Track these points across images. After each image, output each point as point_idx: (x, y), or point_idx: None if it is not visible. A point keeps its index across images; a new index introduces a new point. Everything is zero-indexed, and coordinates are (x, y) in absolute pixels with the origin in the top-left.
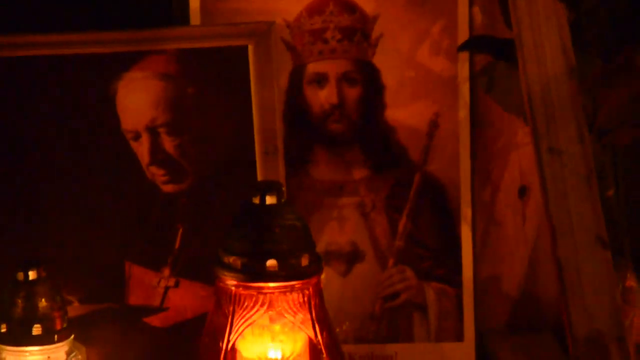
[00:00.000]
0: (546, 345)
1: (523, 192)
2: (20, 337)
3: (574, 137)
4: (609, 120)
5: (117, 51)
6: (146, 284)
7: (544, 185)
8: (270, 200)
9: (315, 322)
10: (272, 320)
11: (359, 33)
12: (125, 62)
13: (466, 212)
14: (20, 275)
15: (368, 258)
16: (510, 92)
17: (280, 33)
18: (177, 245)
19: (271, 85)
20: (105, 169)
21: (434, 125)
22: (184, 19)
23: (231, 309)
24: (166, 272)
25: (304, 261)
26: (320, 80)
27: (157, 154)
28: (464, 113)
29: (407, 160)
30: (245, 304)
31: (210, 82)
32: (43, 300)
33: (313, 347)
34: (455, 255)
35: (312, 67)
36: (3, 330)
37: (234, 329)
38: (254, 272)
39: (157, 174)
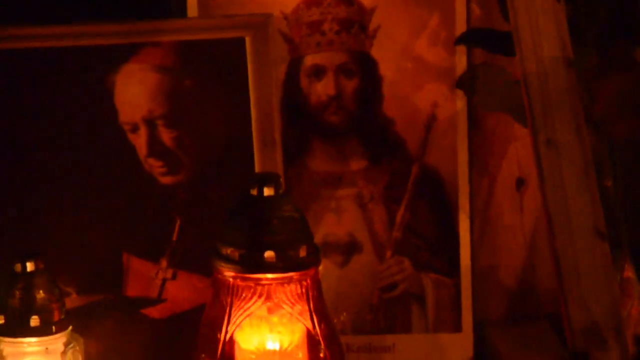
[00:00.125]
0: (544, 335)
1: (520, 183)
2: (18, 329)
3: (572, 129)
4: (606, 111)
5: (115, 43)
6: (144, 276)
7: (542, 177)
8: (268, 191)
9: (313, 313)
10: (270, 311)
11: (357, 25)
12: (123, 54)
13: (464, 203)
14: (18, 267)
15: (366, 249)
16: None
17: (277, 25)
18: (174, 236)
19: (269, 77)
20: (103, 161)
21: (431, 116)
22: (182, 11)
23: (229, 300)
24: (164, 263)
25: (302, 252)
26: (318, 72)
27: (155, 146)
28: (461, 104)
29: (405, 152)
30: (243, 295)
31: (208, 74)
32: (41, 291)
33: (311, 338)
34: (453, 246)
35: (310, 59)
36: (1, 321)
37: (232, 320)
38: (252, 264)
39: (154, 165)
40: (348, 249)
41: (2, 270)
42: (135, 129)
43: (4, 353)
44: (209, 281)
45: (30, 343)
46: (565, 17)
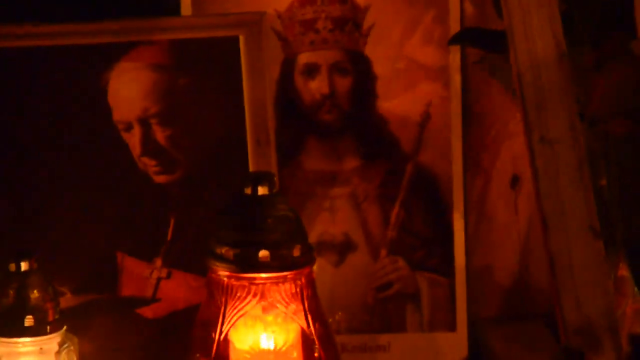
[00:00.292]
0: (538, 334)
1: (515, 181)
2: (12, 329)
3: (566, 127)
4: (601, 108)
5: (108, 42)
6: (138, 275)
7: (536, 175)
8: (262, 190)
9: (307, 312)
10: (264, 310)
11: (351, 23)
12: (117, 52)
13: (458, 202)
14: (12, 267)
15: (360, 248)
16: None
17: (271, 23)
18: (169, 236)
19: (262, 76)
20: (97, 160)
21: (425, 115)
22: (175, 10)
23: (223, 299)
24: (158, 263)
25: (296, 252)
26: (312, 70)
27: (149, 145)
28: (455, 103)
29: (399, 151)
30: (238, 294)
31: (202, 72)
32: (35, 291)
33: (306, 338)
34: (447, 245)
35: (304, 58)
36: None
37: (227, 320)
38: (246, 263)
39: (149, 164)
40: (342, 248)
41: None
42: (129, 127)
43: None
44: (203, 280)
45: (25, 343)
46: (558, 14)
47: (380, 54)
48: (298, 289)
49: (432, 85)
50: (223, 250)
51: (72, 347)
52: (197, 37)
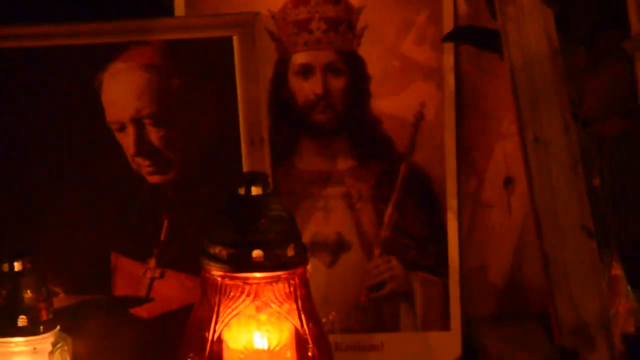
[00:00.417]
0: (532, 333)
1: (508, 182)
2: (5, 329)
3: (560, 127)
4: (595, 108)
5: (102, 42)
6: (132, 275)
7: (530, 175)
8: (255, 191)
9: (301, 312)
10: (258, 310)
11: (344, 24)
12: (110, 53)
13: (452, 202)
14: (6, 267)
15: (354, 248)
16: None
17: (265, 24)
18: (162, 236)
19: (256, 76)
20: (91, 160)
21: (419, 115)
22: (169, 10)
23: (217, 299)
24: (152, 263)
25: (290, 251)
26: (306, 70)
27: (143, 145)
28: (449, 103)
29: (393, 151)
30: (231, 294)
31: (195, 73)
32: (28, 291)
33: (299, 337)
34: (441, 245)
35: (297, 58)
36: None
37: (220, 319)
38: (240, 263)
39: (142, 165)
40: (336, 248)
41: None
42: (122, 128)
43: None
44: (197, 280)
45: (18, 343)
46: (552, 13)
47: (373, 55)
48: (292, 289)
49: (425, 85)
50: (217, 250)
51: (65, 347)
52: (191, 38)
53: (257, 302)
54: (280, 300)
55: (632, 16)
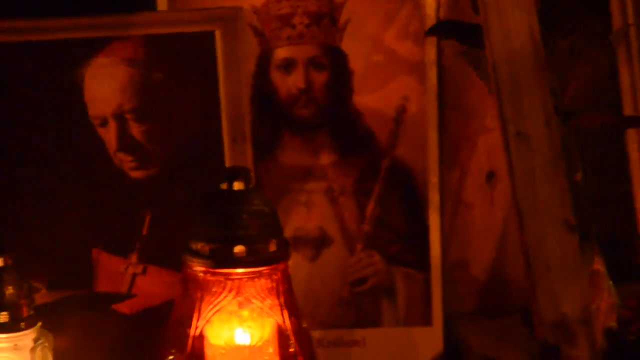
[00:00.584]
0: (514, 328)
1: (491, 176)
2: None
3: (542, 121)
4: (576, 98)
5: (84, 37)
6: (114, 271)
7: (512, 169)
8: (237, 186)
9: (283, 307)
10: (240, 306)
11: (327, 18)
12: (92, 48)
13: (434, 196)
14: None
15: (336, 243)
16: None
17: (247, 18)
18: (144, 231)
19: (238, 71)
20: (73, 155)
21: (401, 109)
22: (151, 5)
23: (199, 295)
24: (134, 258)
25: (272, 247)
26: (288, 65)
27: (125, 140)
28: (431, 97)
29: (375, 145)
30: (213, 290)
31: (178, 67)
32: (9, 287)
33: (281, 333)
34: (423, 240)
35: (280, 52)
36: None
37: (202, 315)
38: (222, 258)
39: (124, 160)
40: (318, 243)
41: None
42: (104, 123)
43: None
44: (179, 276)
45: None
46: (534, 6)
47: (356, 49)
48: (274, 284)
49: (408, 79)
50: (199, 245)
51: (46, 344)
52: (173, 32)
53: (239, 298)
54: (262, 295)
55: (614, 8)
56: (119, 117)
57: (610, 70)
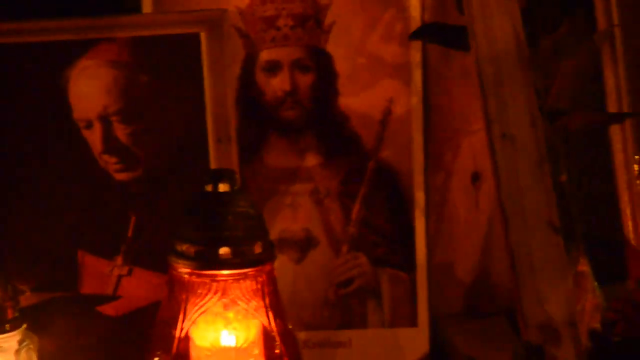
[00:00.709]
0: (500, 329)
1: (476, 177)
2: None
3: (527, 123)
4: (560, 98)
5: (69, 39)
6: (99, 273)
7: (497, 171)
8: (223, 187)
9: (268, 309)
10: (225, 307)
11: (312, 20)
12: (77, 50)
13: (419, 198)
14: None
15: (322, 245)
16: None
17: (232, 20)
18: (130, 233)
19: (223, 73)
20: (58, 157)
21: (387, 111)
22: (136, 7)
23: (184, 296)
24: (119, 260)
25: (257, 248)
26: (273, 67)
27: (110, 143)
28: (416, 99)
29: (361, 147)
30: (199, 291)
31: (163, 70)
32: None
33: (267, 334)
34: (408, 241)
35: (265, 55)
36: None
37: (188, 317)
38: (207, 260)
39: (109, 162)
40: (304, 245)
41: None
42: (89, 125)
43: None
44: (164, 278)
45: None
46: (519, 10)
47: (341, 51)
48: (259, 286)
49: (393, 81)
50: (184, 247)
51: (31, 346)
52: (158, 35)
53: (224, 300)
54: (248, 297)
55: (598, 8)
56: (104, 119)
57: (595, 70)
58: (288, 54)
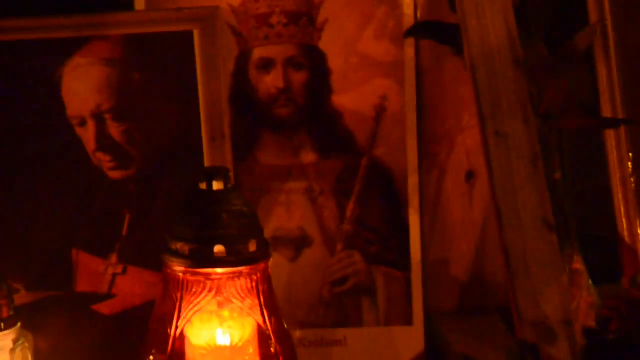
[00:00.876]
0: (495, 327)
1: (470, 175)
2: None
3: (520, 120)
4: (553, 105)
5: (61, 37)
6: (93, 271)
7: (490, 169)
8: (217, 185)
9: (263, 307)
10: (220, 306)
11: (305, 17)
12: (70, 47)
13: (413, 196)
14: None
15: (316, 243)
16: None
17: (225, 18)
18: (124, 231)
19: (217, 71)
20: (51, 155)
21: (380, 109)
22: (129, 4)
23: (179, 295)
24: (113, 258)
25: (252, 247)
26: (267, 65)
27: (103, 140)
28: (410, 97)
29: (355, 145)
30: (193, 290)
31: (156, 67)
32: None
33: (262, 333)
34: (403, 239)
35: (259, 52)
36: None
37: (182, 315)
38: (202, 258)
39: (103, 160)
40: (298, 243)
41: None
42: (83, 123)
43: None
44: (159, 276)
45: None
46: (512, 8)
47: (334, 49)
48: (254, 284)
49: (386, 79)
50: (178, 245)
51: (26, 344)
52: (151, 32)
53: (219, 298)
54: (243, 295)
55: (591, 13)
56: (98, 116)
57: (589, 78)
58: (281, 52)
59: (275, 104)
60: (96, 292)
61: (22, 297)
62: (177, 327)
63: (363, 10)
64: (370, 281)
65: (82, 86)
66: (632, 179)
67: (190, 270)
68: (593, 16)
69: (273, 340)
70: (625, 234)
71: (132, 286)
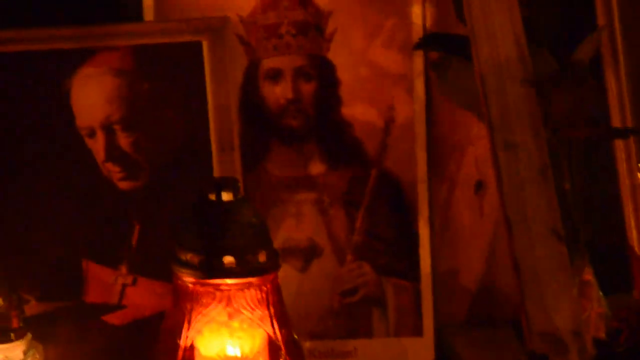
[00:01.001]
0: (505, 339)
1: (479, 186)
2: None
3: (529, 131)
4: (562, 116)
5: (71, 47)
6: (103, 282)
7: (500, 179)
8: (226, 196)
9: (273, 318)
10: (230, 316)
11: (314, 28)
12: (79, 58)
13: (423, 207)
14: None
15: (326, 254)
16: (465, 89)
17: (234, 28)
18: (134, 242)
19: (226, 81)
20: (61, 166)
21: (389, 120)
22: (138, 15)
23: (189, 306)
24: (123, 269)
25: (262, 257)
26: (276, 75)
27: (113, 151)
28: (419, 108)
29: (364, 156)
30: (203, 301)
31: (165, 78)
32: None
33: (272, 344)
34: (413, 250)
35: (267, 63)
36: None
37: (192, 326)
38: (212, 269)
39: (113, 170)
40: (308, 254)
41: None
42: (92, 133)
43: None
44: (169, 287)
45: None
46: (520, 19)
47: (343, 59)
48: (264, 295)
49: (395, 90)
50: (188, 256)
51: (37, 355)
52: (160, 43)
53: (229, 309)
54: (252, 306)
55: (600, 21)
56: (107, 127)
57: (597, 92)
58: (290, 62)
59: (284, 115)
60: (106, 302)
61: (32, 308)
62: (187, 338)
63: (372, 20)
64: (380, 292)
65: (92, 97)
66: None
67: (200, 281)
68: (602, 24)
69: (283, 351)
70: (636, 244)
71: (142, 297)
